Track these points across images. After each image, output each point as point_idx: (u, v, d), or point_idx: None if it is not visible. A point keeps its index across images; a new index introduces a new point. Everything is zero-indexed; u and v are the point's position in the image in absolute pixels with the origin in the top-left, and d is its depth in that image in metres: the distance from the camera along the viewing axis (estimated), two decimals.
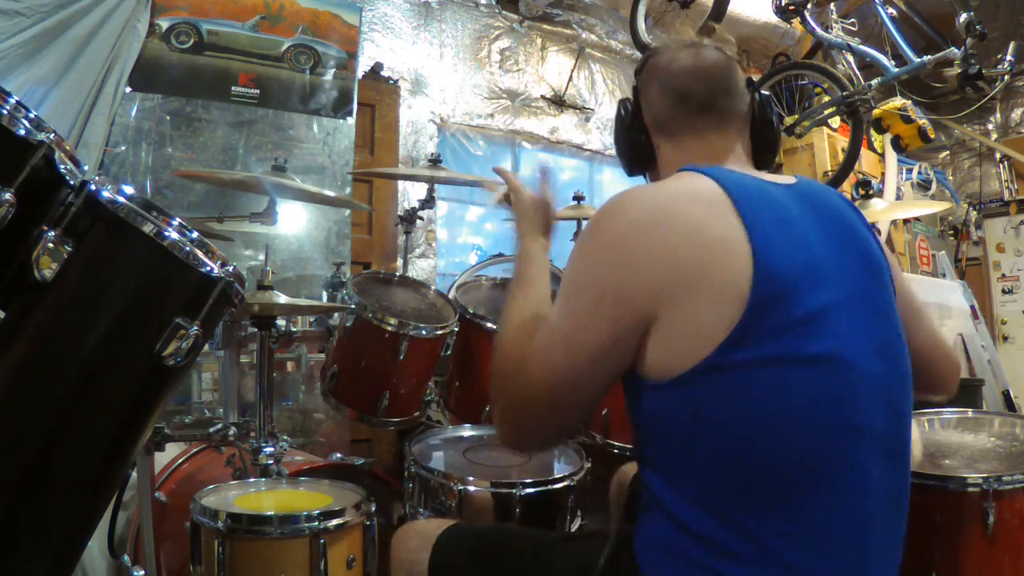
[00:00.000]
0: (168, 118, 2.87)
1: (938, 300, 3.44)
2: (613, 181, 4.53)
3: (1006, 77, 3.83)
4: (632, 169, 1.16)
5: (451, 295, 2.22)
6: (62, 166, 0.89)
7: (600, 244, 0.93)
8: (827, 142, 4.68)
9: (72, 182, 0.89)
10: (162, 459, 1.85)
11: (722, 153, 1.05)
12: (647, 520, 0.93)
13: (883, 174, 4.85)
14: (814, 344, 0.84)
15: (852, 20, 3.52)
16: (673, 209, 0.90)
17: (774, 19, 3.84)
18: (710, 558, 0.84)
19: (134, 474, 1.59)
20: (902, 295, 1.06)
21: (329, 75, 3.21)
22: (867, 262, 0.97)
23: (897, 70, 3.12)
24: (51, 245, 0.84)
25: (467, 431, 1.86)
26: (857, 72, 3.51)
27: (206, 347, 1.26)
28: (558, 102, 4.23)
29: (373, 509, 1.35)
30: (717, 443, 0.84)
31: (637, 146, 1.11)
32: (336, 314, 2.09)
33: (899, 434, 0.93)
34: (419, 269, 3.62)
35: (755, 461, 0.83)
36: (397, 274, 2.30)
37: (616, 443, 1.89)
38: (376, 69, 3.55)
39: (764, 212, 0.89)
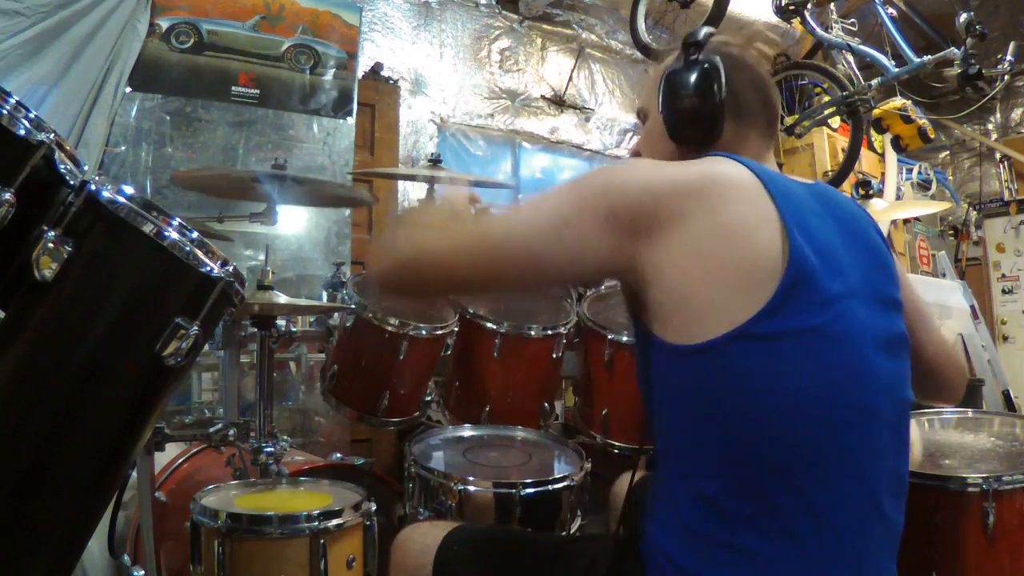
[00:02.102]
0: (168, 118, 2.87)
1: (938, 300, 3.44)
2: None
3: (1006, 77, 3.83)
4: (688, 135, 1.05)
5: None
6: (62, 166, 0.89)
7: (596, 178, 0.97)
8: (827, 142, 4.68)
9: (72, 182, 0.89)
10: (162, 459, 1.85)
11: (764, 157, 1.08)
12: (663, 504, 0.94)
13: (883, 174, 4.85)
14: (835, 325, 0.86)
15: (852, 20, 3.53)
16: (691, 164, 0.95)
17: (774, 19, 3.84)
18: (727, 531, 0.84)
19: (134, 474, 1.58)
20: (907, 299, 1.08)
21: (329, 75, 3.21)
22: (876, 259, 0.99)
23: (897, 70, 3.12)
24: (51, 245, 0.84)
25: (467, 431, 1.86)
26: (857, 72, 3.51)
27: (206, 347, 1.25)
28: (558, 102, 4.23)
29: (373, 509, 1.35)
30: (746, 411, 0.85)
31: (710, 113, 1.03)
32: (336, 314, 2.09)
33: (902, 421, 0.96)
34: None
35: (779, 432, 0.84)
36: None
37: (616, 443, 1.90)
38: (376, 69, 3.55)
39: (790, 199, 0.91)
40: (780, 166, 4.73)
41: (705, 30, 1.09)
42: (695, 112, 1.03)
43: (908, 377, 0.98)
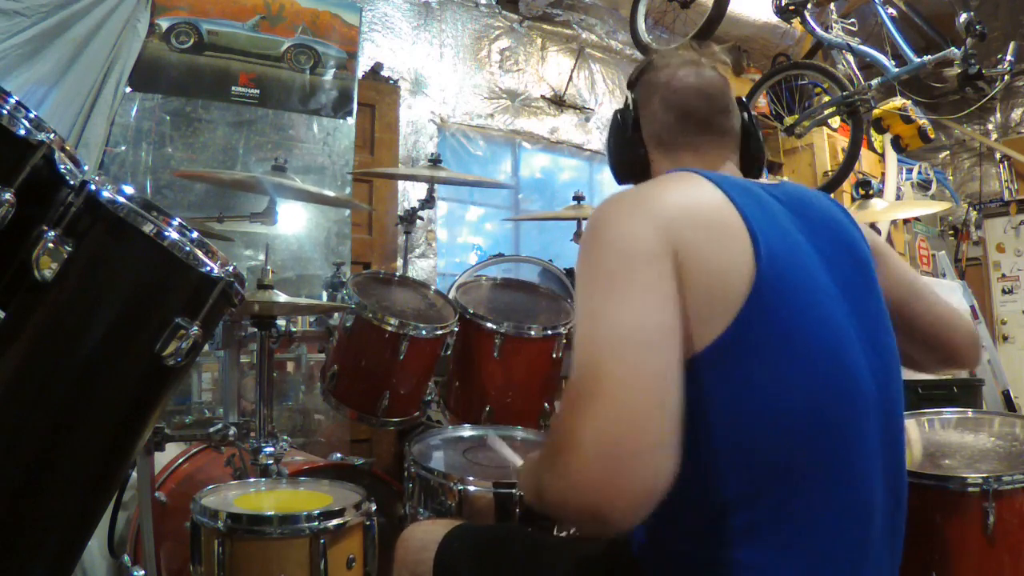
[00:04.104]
0: (168, 118, 2.87)
1: None
2: (612, 181, 4.52)
3: (1006, 77, 3.83)
4: (623, 179, 1.17)
5: (451, 295, 2.22)
6: (62, 166, 0.89)
7: (606, 224, 0.89)
8: (827, 142, 4.68)
9: (72, 182, 0.89)
10: (162, 459, 1.85)
11: (715, 166, 1.07)
12: (655, 517, 0.93)
13: (883, 174, 4.86)
14: (808, 325, 0.86)
15: (852, 20, 3.52)
16: (670, 187, 0.95)
17: (774, 19, 3.84)
18: (719, 544, 0.83)
19: (134, 474, 1.59)
20: (901, 277, 1.10)
21: (329, 75, 3.21)
22: (850, 255, 0.98)
23: (897, 70, 3.12)
24: (51, 245, 0.84)
25: (467, 431, 1.86)
26: (857, 72, 3.50)
27: (206, 347, 1.26)
28: (558, 102, 4.24)
29: (373, 509, 1.35)
30: (730, 419, 0.84)
31: (633, 157, 1.12)
32: (336, 314, 2.09)
33: (893, 416, 0.95)
34: (419, 269, 3.62)
35: (763, 438, 0.83)
36: (397, 274, 2.31)
37: None
38: (376, 69, 3.55)
39: (753, 204, 0.91)
40: (779, 166, 4.74)
41: (647, 60, 1.18)
42: (615, 158, 1.15)
43: (897, 370, 0.97)
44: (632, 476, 0.70)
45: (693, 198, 0.90)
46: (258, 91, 3.04)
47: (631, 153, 1.12)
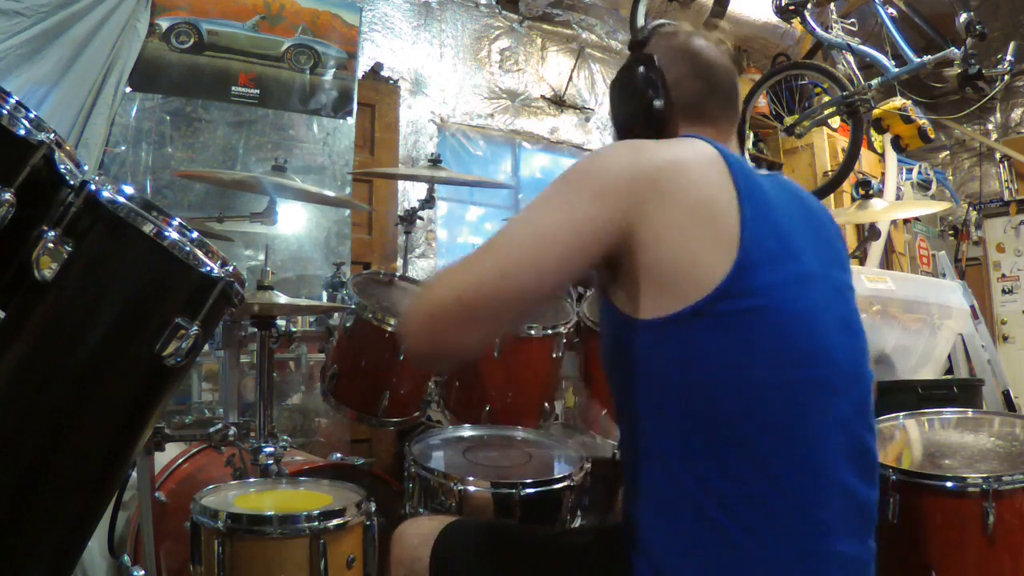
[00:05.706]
0: (168, 118, 2.87)
1: (938, 300, 3.43)
2: None
3: (1006, 77, 3.83)
4: (633, 136, 1.07)
5: None
6: (62, 166, 0.89)
7: (600, 154, 0.96)
8: (827, 142, 4.68)
9: (72, 182, 0.89)
10: (162, 459, 1.85)
11: (727, 143, 1.08)
12: (633, 487, 0.95)
13: (883, 174, 4.85)
14: (790, 304, 0.89)
15: (852, 20, 3.52)
16: (673, 146, 0.96)
17: (774, 19, 3.84)
18: (697, 511, 0.85)
19: (134, 474, 1.58)
20: None
21: (329, 75, 3.21)
22: (833, 251, 1.03)
23: (897, 70, 3.12)
24: (51, 245, 0.84)
25: (467, 431, 1.86)
26: (857, 72, 3.51)
27: (206, 347, 1.26)
28: (558, 102, 4.23)
29: (373, 509, 1.35)
30: (703, 387, 0.86)
31: (656, 117, 1.04)
32: (336, 314, 2.09)
33: (864, 396, 0.98)
34: (419, 269, 3.62)
35: (736, 407, 0.86)
36: (397, 274, 2.30)
37: (616, 443, 1.90)
38: (376, 69, 3.55)
39: (755, 186, 0.93)
40: (780, 166, 4.74)
41: (654, 24, 1.12)
42: (631, 118, 1.06)
43: (867, 353, 1.01)
44: (455, 333, 0.87)
45: (693, 162, 0.92)
46: (258, 91, 3.04)
47: (657, 111, 1.03)
